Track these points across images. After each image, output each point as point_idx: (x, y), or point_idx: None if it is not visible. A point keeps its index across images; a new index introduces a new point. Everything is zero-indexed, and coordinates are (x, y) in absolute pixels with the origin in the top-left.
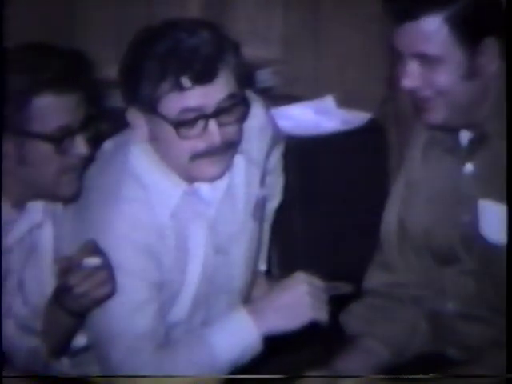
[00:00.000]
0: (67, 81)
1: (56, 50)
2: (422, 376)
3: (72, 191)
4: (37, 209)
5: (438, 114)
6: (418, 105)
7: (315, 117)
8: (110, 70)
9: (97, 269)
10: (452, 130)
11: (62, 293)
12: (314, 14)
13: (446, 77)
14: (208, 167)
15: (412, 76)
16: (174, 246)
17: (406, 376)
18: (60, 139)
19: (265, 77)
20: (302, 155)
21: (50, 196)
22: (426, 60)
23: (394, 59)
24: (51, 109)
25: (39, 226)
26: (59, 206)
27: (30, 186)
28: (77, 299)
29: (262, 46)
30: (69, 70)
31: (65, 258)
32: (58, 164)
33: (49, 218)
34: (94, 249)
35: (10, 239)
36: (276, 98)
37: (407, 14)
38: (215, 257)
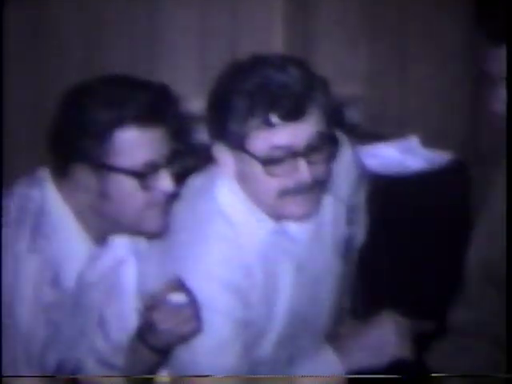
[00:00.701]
0: (152, 115)
1: (140, 83)
2: (421, 376)
3: (157, 227)
4: (120, 245)
5: None
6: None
7: (400, 156)
8: (194, 104)
9: (182, 306)
10: None
11: (145, 329)
12: (399, 51)
13: None
14: (297, 206)
15: (502, 101)
16: (261, 284)
17: (406, 376)
18: (145, 174)
19: (350, 114)
20: (387, 194)
21: (134, 231)
22: None
23: (485, 84)
24: (136, 143)
25: (122, 263)
26: (143, 242)
27: (113, 222)
28: (161, 336)
29: (348, 83)
30: (154, 103)
31: (150, 295)
32: (143, 200)
33: (132, 255)
34: (180, 285)
35: (92, 275)
36: (361, 135)
37: (501, 35)
38: (302, 295)
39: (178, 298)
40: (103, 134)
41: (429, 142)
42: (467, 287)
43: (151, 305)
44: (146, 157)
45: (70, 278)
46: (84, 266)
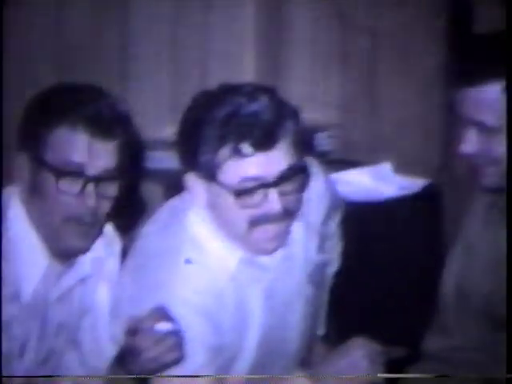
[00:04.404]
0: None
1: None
2: (422, 376)
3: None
4: (85, 263)
5: (495, 178)
6: (475, 170)
7: (373, 182)
8: (166, 131)
9: (167, 334)
10: None
11: (126, 355)
12: (370, 78)
13: (503, 147)
14: (267, 237)
15: (470, 143)
16: (232, 310)
17: (407, 376)
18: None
19: (321, 141)
20: (360, 221)
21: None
22: (484, 128)
23: (453, 123)
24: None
25: (86, 281)
26: (111, 262)
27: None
28: (142, 363)
29: (318, 109)
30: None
31: (133, 321)
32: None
33: (99, 274)
34: (165, 315)
35: (56, 292)
36: (333, 162)
37: (471, 80)
38: (272, 321)
39: (164, 326)
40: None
41: (402, 168)
42: (442, 314)
43: (134, 331)
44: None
45: (29, 294)
46: (47, 283)
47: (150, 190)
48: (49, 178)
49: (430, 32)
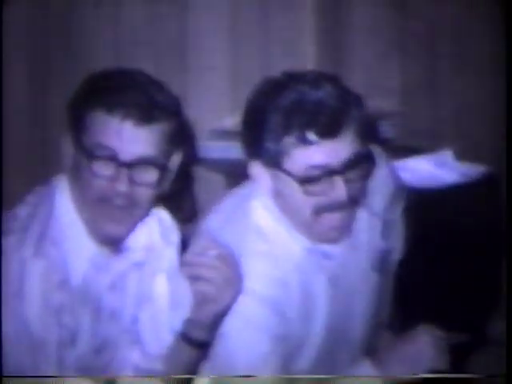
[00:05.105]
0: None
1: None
2: (422, 376)
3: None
4: (136, 249)
5: None
6: None
7: (434, 169)
8: (228, 121)
9: (221, 257)
10: None
11: (189, 324)
12: (432, 64)
13: None
14: (332, 225)
15: None
16: (298, 299)
17: (406, 376)
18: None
19: (384, 128)
20: (422, 208)
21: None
22: None
23: None
24: None
25: (138, 267)
26: (169, 252)
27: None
28: (204, 312)
29: (380, 97)
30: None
31: (189, 252)
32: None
33: (154, 262)
34: (215, 241)
35: (106, 279)
36: (395, 149)
37: None
38: (337, 309)
39: (216, 251)
40: None
41: (463, 155)
42: (507, 299)
43: (192, 261)
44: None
45: (78, 281)
46: (96, 270)
47: (212, 180)
48: (84, 161)
49: (489, 19)
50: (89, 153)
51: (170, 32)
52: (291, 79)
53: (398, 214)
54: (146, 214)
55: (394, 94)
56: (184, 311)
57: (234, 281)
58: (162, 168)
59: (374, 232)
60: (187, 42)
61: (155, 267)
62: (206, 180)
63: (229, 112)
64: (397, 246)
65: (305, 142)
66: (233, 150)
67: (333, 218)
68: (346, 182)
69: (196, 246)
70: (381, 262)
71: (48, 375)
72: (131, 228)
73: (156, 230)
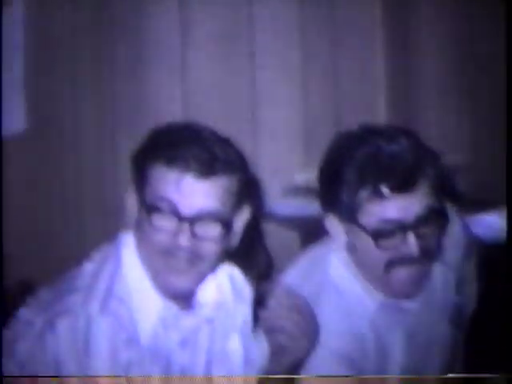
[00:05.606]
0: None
1: None
2: (422, 376)
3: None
4: (207, 305)
5: None
6: None
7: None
8: (301, 176)
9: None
10: None
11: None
12: (501, 114)
13: None
14: (405, 282)
15: None
16: (372, 354)
17: (406, 376)
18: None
19: (456, 183)
20: (496, 262)
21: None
22: None
23: None
24: None
25: (212, 325)
26: (241, 309)
27: None
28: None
29: (452, 151)
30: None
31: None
32: None
33: (226, 319)
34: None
35: (176, 335)
36: (468, 204)
37: None
38: (411, 364)
39: (292, 301)
40: None
41: None
42: None
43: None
44: None
45: (147, 337)
46: (165, 326)
47: (284, 236)
48: (146, 215)
49: None
50: (150, 207)
51: (241, 86)
52: (367, 133)
53: (471, 268)
54: (213, 268)
55: (465, 148)
56: (257, 369)
57: (310, 332)
58: (226, 223)
59: (448, 286)
60: (257, 95)
61: (227, 324)
62: (278, 237)
63: (301, 167)
64: (470, 300)
65: (379, 195)
66: (305, 207)
67: (405, 273)
68: (419, 237)
69: (272, 298)
70: (456, 316)
71: (52, 375)
72: (197, 282)
73: (227, 286)
